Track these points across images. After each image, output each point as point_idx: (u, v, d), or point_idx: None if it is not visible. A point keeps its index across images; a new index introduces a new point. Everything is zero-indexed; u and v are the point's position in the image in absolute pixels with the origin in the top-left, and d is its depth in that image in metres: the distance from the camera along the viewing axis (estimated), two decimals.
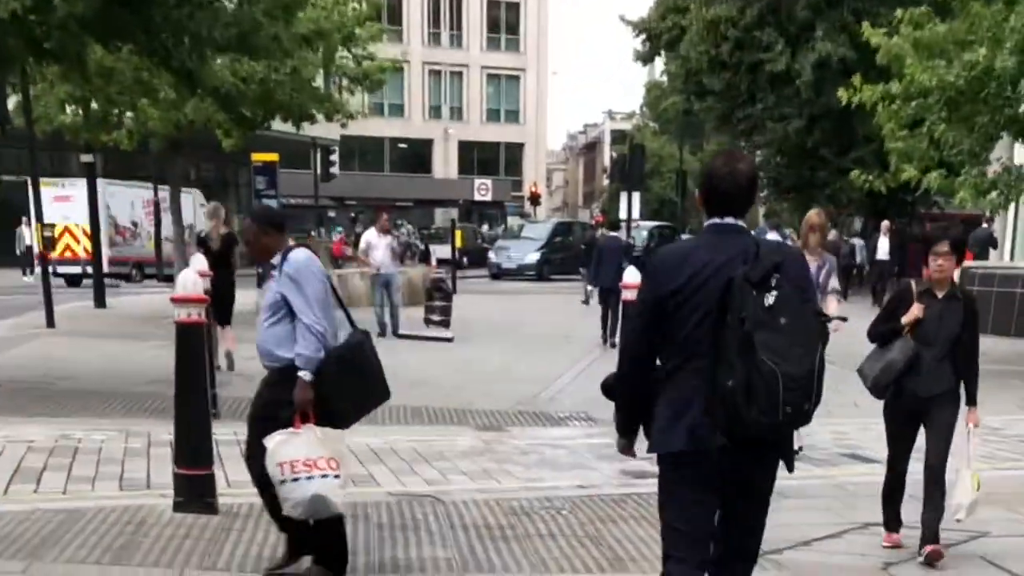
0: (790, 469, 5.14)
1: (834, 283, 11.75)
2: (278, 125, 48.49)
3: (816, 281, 10.33)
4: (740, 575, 5.34)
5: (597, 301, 24.77)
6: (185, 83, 15.87)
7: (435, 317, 22.50)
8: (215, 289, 13.90)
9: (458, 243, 39.66)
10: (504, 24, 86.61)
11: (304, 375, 6.83)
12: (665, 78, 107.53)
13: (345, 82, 25.00)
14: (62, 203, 35.91)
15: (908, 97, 18.64)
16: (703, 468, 4.94)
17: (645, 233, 48.14)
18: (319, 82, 24.69)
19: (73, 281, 37.32)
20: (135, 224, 42.77)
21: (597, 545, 8.28)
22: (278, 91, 21.99)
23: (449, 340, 21.95)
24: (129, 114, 23.15)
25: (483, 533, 8.47)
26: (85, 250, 34.20)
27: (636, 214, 36.49)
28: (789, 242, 22.32)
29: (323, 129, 57.28)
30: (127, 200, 41.59)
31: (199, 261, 12.68)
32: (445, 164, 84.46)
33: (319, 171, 44.65)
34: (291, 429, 6.87)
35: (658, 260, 5.22)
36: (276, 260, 7.14)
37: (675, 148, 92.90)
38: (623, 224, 32.32)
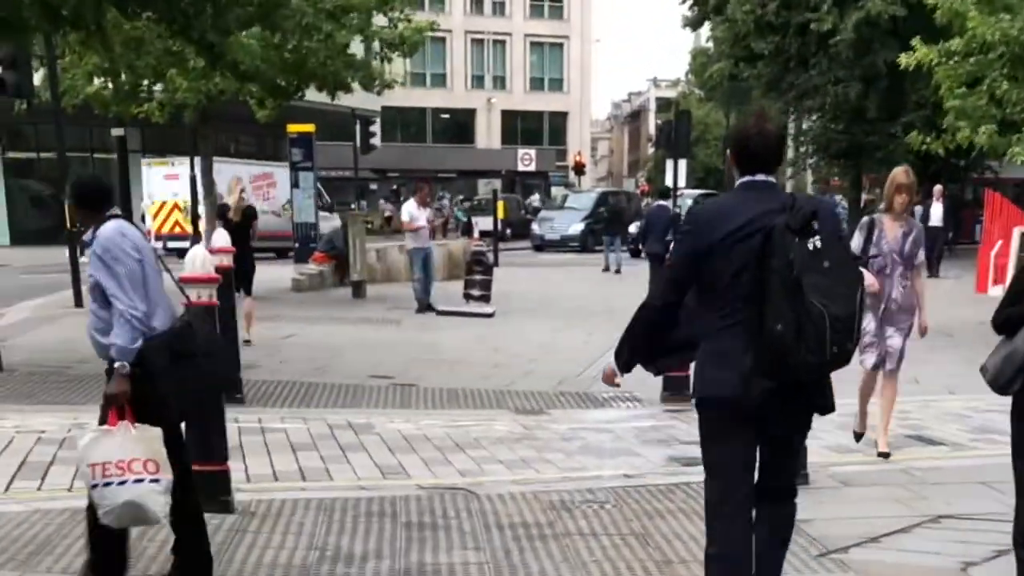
0: (825, 412, 5.41)
1: (922, 255, 10.28)
2: (315, 96, 48.24)
3: (902, 250, 9.97)
4: (781, 508, 5.60)
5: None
6: (206, 55, 15.20)
7: (475, 292, 21.80)
8: (236, 262, 13.16)
9: (500, 215, 38.78)
10: None
11: (119, 367, 6.02)
12: (711, 44, 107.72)
13: (381, 48, 24.05)
14: (172, 180, 38.09)
15: (968, 53, 17.76)
16: (745, 413, 5.16)
17: (689, 202, 47.39)
18: (354, 49, 23.85)
19: (183, 255, 36.70)
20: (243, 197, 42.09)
21: (644, 544, 7.55)
22: (311, 59, 21.22)
23: (490, 315, 21.25)
24: (158, 86, 22.45)
25: (519, 533, 7.74)
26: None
27: (682, 182, 35.68)
28: (840, 209, 21.76)
29: (363, 100, 56.66)
30: (231, 174, 39.17)
31: (222, 236, 12.00)
32: (488, 134, 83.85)
33: (359, 143, 43.66)
34: (104, 427, 6.12)
35: (697, 215, 5.47)
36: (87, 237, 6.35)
37: (720, 116, 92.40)
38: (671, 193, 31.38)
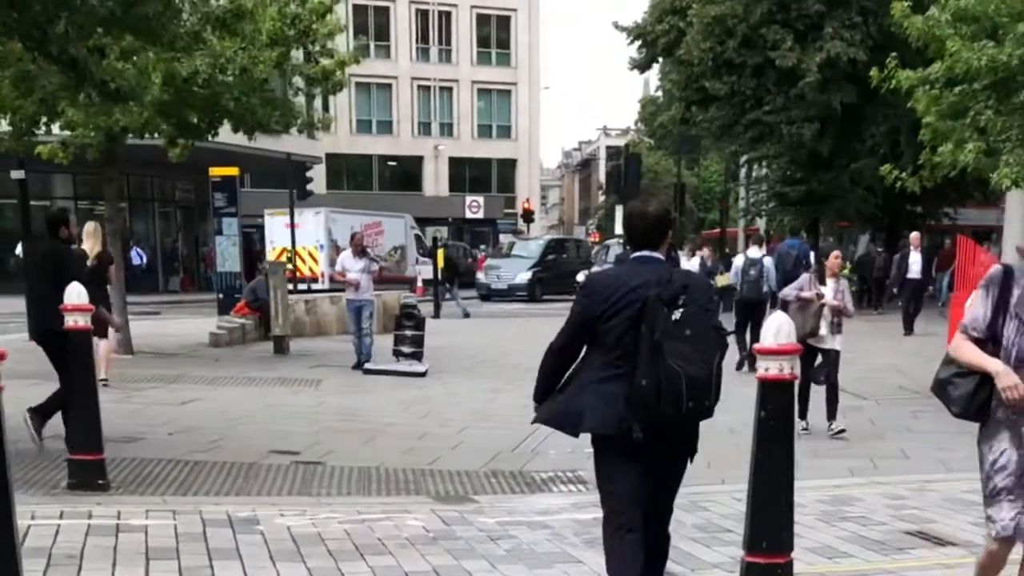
0: (690, 460, 6.20)
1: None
2: (250, 140, 46.32)
3: None
4: (661, 531, 6.36)
5: None
6: (69, 74, 13.15)
7: (405, 348, 19.77)
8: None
9: (441, 263, 36.63)
10: (494, 38, 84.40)
11: None
12: (660, 93, 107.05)
13: (302, 83, 21.92)
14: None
15: (951, 82, 15.97)
16: (626, 447, 5.87)
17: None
18: (275, 86, 21.72)
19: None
20: None
21: None
22: (224, 95, 19.19)
23: (422, 375, 19.27)
24: (56, 124, 20.26)
25: None
26: (310, 269, 44.05)
27: None
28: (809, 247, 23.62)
29: (304, 145, 55.20)
30: (347, 224, 46.31)
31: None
32: (436, 181, 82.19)
33: (296, 188, 41.54)
34: None
35: (592, 282, 6.33)
36: None
37: (671, 163, 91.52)
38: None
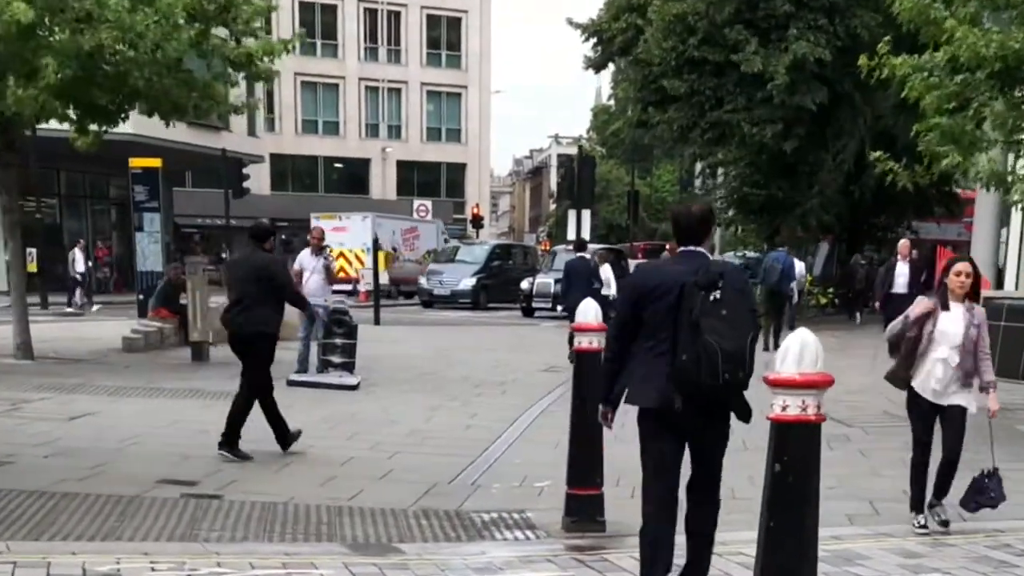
0: (744, 419, 6.65)
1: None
2: (183, 134, 44.03)
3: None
4: (709, 498, 6.95)
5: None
6: None
7: (335, 359, 17.73)
8: None
9: (381, 266, 34.49)
10: (445, 40, 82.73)
11: None
12: (612, 102, 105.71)
13: (221, 67, 19.57)
14: (339, 232, 46.61)
15: (955, 70, 14.14)
16: (667, 420, 6.63)
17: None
18: (195, 68, 19.43)
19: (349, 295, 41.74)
20: (395, 249, 53.61)
21: None
22: (133, 72, 17.07)
23: (352, 388, 17.28)
24: None
25: None
26: (356, 271, 48.32)
27: (586, 234, 32.05)
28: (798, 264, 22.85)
29: (244, 143, 53.09)
30: (391, 229, 53.44)
31: None
32: (383, 184, 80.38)
33: (230, 186, 39.48)
34: None
35: (638, 273, 7.37)
36: None
37: (623, 172, 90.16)
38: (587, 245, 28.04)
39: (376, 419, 14.77)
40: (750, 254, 43.86)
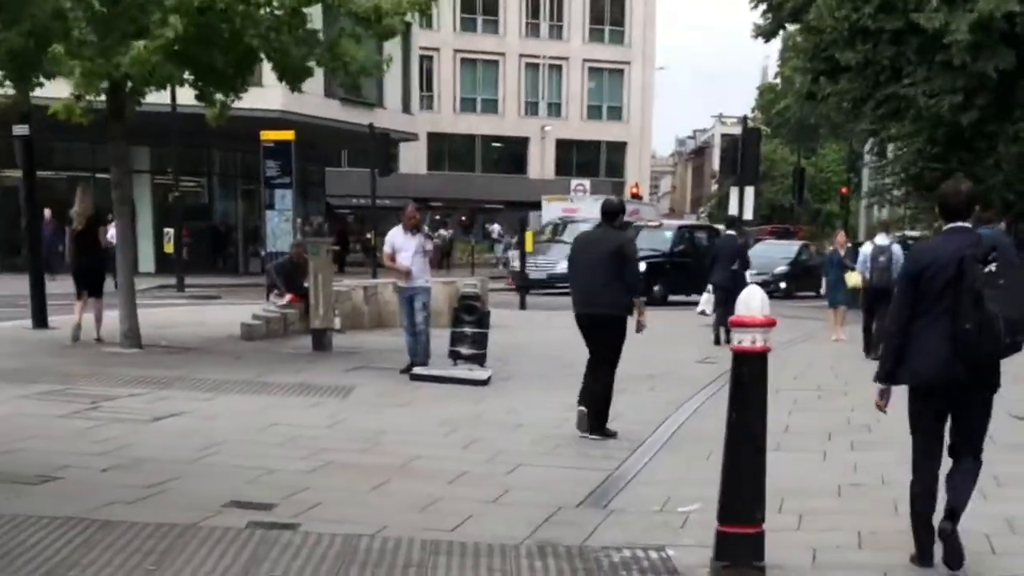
0: (995, 389, 7.27)
1: None
2: (345, 113, 42.71)
3: None
4: (971, 462, 7.40)
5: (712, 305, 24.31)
6: None
7: (464, 350, 15.98)
8: (84, 268, 18.50)
9: (529, 248, 32.45)
10: (608, 15, 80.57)
11: None
12: (778, 80, 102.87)
13: (349, 24, 17.82)
14: (569, 213, 46.91)
15: None
16: (941, 393, 7.22)
17: (669, 235, 40.09)
18: (317, 24, 17.75)
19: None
20: None
21: None
22: (249, 29, 15.45)
23: (483, 383, 15.49)
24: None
25: None
26: None
27: (749, 214, 29.91)
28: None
29: (400, 121, 51.83)
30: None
31: None
32: (541, 164, 78.82)
33: (377, 164, 38.07)
34: None
35: (915, 250, 8.49)
36: None
37: (787, 152, 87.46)
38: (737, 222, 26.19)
39: (502, 421, 12.94)
40: (910, 234, 40.81)
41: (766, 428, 7.23)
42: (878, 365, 7.59)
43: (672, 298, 36.10)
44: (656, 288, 35.78)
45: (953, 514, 7.26)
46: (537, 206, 68.43)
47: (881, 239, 21.09)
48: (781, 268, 42.04)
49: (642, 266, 37.05)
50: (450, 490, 9.44)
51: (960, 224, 7.29)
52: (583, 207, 48.77)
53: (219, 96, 18.10)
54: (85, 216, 18.06)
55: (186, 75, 16.97)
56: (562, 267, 37.72)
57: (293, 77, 17.66)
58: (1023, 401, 13.24)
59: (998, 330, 6.81)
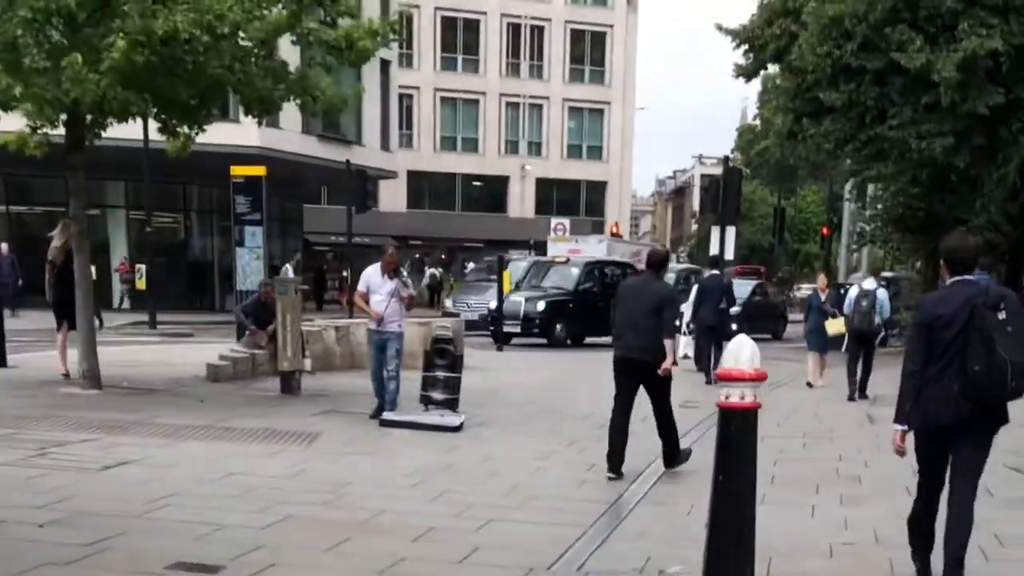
0: (1006, 420, 7.63)
1: None
2: (314, 148, 42.28)
3: None
4: (967, 496, 7.64)
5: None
6: None
7: (436, 394, 15.33)
8: (62, 300, 18.01)
9: (506, 288, 31.68)
10: (588, 55, 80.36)
11: None
12: (758, 121, 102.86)
13: (320, 55, 17.17)
14: (575, 255, 45.24)
15: None
16: (947, 435, 7.60)
17: (575, 271, 37.13)
18: (287, 55, 17.18)
19: None
20: None
21: None
22: (212, 60, 14.85)
23: (455, 429, 14.84)
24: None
25: None
26: None
27: (730, 254, 29.33)
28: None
29: (379, 159, 51.37)
30: (622, 252, 51.52)
31: None
32: (521, 202, 78.41)
33: (353, 201, 37.51)
34: None
35: (927, 301, 8.13)
36: None
37: (766, 193, 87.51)
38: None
39: (473, 471, 12.29)
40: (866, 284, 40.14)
41: (755, 491, 6.66)
42: (896, 409, 7.80)
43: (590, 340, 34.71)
44: (558, 328, 34.68)
45: (959, 564, 7.58)
46: (518, 244, 68.20)
47: (867, 283, 21.04)
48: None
49: (540, 305, 35.34)
50: (414, 549, 8.79)
51: (967, 277, 7.69)
52: (585, 248, 50.39)
53: (183, 129, 17.52)
54: (64, 250, 17.78)
55: (151, 107, 16.34)
56: (492, 304, 34.82)
57: (261, 110, 17.08)
58: (1015, 451, 12.75)
59: (1006, 374, 7.18)
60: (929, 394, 7.53)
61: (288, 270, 39.32)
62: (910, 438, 7.78)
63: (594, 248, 50.40)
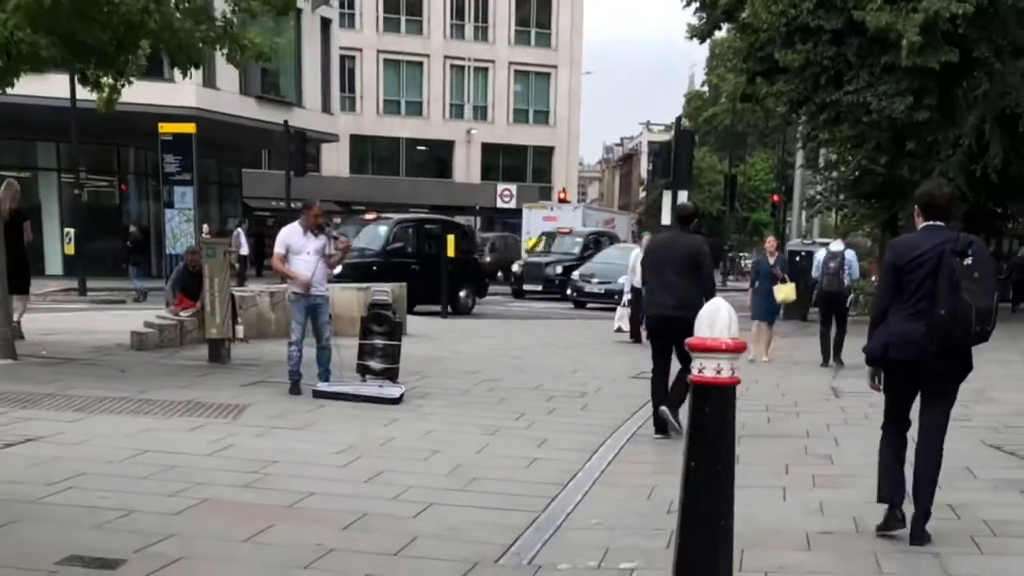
0: (967, 371, 7.86)
1: None
2: (252, 109, 41.18)
3: None
4: (936, 433, 7.91)
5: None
6: None
7: (374, 364, 14.34)
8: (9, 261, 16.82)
9: (451, 252, 30.26)
10: (534, 17, 79.14)
11: None
12: (706, 88, 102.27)
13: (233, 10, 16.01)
14: (549, 221, 50.88)
15: None
16: (914, 373, 7.83)
17: (383, 230, 32.47)
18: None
19: None
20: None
21: None
22: (124, 5, 13.70)
23: (395, 401, 13.86)
24: None
25: None
26: None
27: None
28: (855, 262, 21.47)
29: (320, 121, 50.19)
30: (598, 219, 58.41)
31: None
32: (467, 168, 77.18)
33: (292, 164, 36.34)
34: None
35: (897, 243, 8.25)
36: None
37: (715, 160, 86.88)
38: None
39: (413, 447, 11.30)
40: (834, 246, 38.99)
41: (733, 480, 5.73)
42: (866, 349, 8.07)
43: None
44: None
45: (926, 516, 7.83)
46: (464, 211, 67.19)
47: (835, 245, 21.04)
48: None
49: (338, 269, 32.78)
50: (344, 538, 7.81)
51: (938, 223, 7.93)
52: (561, 215, 52.93)
53: (107, 80, 16.40)
54: (9, 210, 17.30)
55: (65, 53, 15.17)
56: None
57: (186, 61, 15.94)
58: (993, 427, 11.93)
59: (970, 318, 7.39)
60: (895, 331, 7.79)
61: (241, 234, 38.47)
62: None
63: (569, 215, 52.84)
